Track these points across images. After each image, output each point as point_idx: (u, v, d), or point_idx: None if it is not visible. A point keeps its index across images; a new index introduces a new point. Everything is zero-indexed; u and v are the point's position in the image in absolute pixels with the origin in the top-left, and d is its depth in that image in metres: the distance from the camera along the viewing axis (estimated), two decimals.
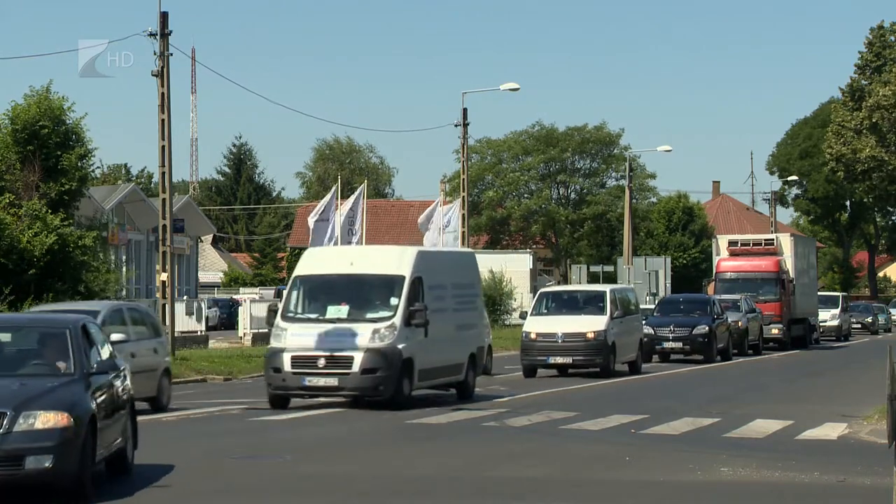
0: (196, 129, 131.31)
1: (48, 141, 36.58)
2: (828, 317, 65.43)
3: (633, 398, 29.75)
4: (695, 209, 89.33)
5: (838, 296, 70.53)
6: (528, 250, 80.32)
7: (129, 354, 22.83)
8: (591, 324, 36.33)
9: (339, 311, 25.88)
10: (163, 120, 39.08)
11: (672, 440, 20.93)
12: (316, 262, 27.37)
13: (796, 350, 53.69)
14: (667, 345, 44.90)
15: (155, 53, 38.50)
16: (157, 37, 38.30)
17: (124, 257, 58.60)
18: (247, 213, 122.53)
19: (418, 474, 16.97)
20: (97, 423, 14.36)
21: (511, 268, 68.48)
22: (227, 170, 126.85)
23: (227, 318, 71.11)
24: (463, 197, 58.11)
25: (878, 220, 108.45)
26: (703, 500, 15.31)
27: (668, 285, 63.75)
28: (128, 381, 16.33)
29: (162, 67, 38.58)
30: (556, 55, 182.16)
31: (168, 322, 39.50)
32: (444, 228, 56.15)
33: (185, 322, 50.40)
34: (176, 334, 40.39)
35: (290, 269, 43.22)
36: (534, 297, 44.54)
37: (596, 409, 25.47)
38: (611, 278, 63.08)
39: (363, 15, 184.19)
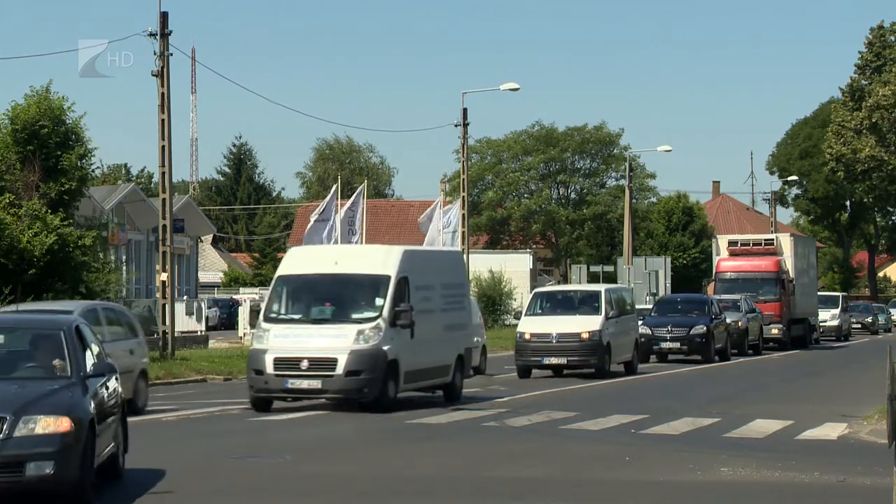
0: (196, 129, 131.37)
1: (48, 141, 36.56)
2: (828, 317, 65.46)
3: (632, 398, 29.76)
4: (695, 209, 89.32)
5: (838, 296, 70.57)
6: (528, 250, 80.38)
7: None
8: (585, 324, 36.08)
9: (322, 311, 25.48)
10: (163, 120, 39.10)
11: (672, 440, 20.93)
12: (299, 261, 26.81)
13: (796, 350, 53.69)
14: (664, 345, 44.71)
15: (155, 53, 38.54)
16: (157, 37, 38.34)
17: (124, 257, 58.57)
18: (247, 213, 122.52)
19: (418, 474, 16.97)
20: (96, 428, 14.02)
21: (511, 268, 68.57)
22: (227, 170, 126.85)
23: (227, 318, 71.18)
24: (463, 197, 58.13)
25: (878, 220, 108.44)
26: (703, 500, 15.32)
27: (668, 285, 63.75)
28: (118, 384, 15.87)
29: (162, 67, 38.60)
30: (556, 55, 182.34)
31: (168, 322, 39.54)
32: (445, 228, 56.19)
33: (185, 322, 50.47)
34: (176, 334, 40.43)
35: None
36: None
37: (596, 409, 25.47)
38: (611, 278, 63.06)
39: (363, 15, 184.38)
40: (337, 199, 49.11)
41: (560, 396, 29.78)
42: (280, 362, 24.64)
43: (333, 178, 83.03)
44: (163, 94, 38.88)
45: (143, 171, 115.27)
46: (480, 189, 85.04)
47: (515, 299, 64.56)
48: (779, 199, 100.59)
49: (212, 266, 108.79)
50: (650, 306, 50.43)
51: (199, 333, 51.91)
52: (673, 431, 22.15)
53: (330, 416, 24.50)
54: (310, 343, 24.71)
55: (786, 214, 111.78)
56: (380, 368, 24.54)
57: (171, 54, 38.84)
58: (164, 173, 39.70)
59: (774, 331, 53.13)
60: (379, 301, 25.17)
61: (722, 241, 57.01)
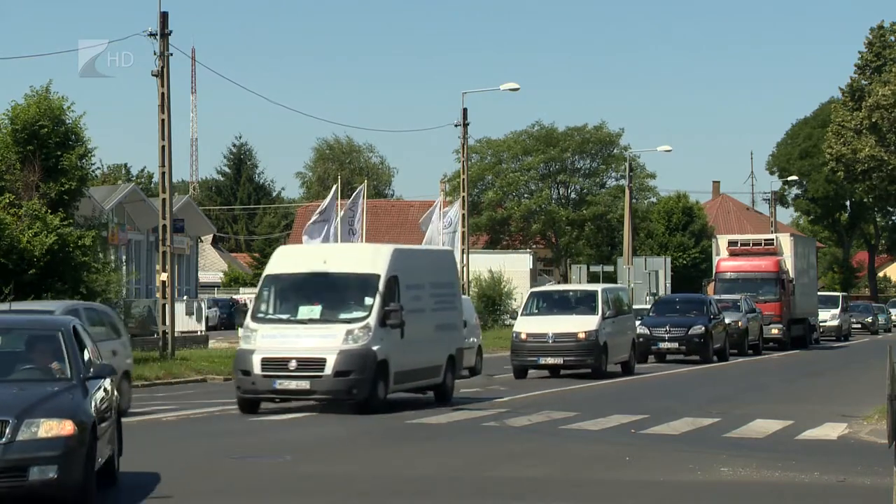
0: (196, 129, 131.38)
1: (48, 141, 36.55)
2: (828, 317, 65.50)
3: (633, 398, 29.75)
4: (695, 209, 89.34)
5: (838, 296, 70.61)
6: (528, 250, 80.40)
7: None
8: (582, 324, 35.85)
9: (311, 311, 25.01)
10: (163, 120, 39.11)
11: (672, 440, 20.93)
12: (288, 260, 26.43)
13: (796, 350, 53.71)
14: (663, 345, 44.58)
15: (155, 53, 38.58)
16: (157, 37, 38.37)
17: (124, 257, 58.56)
18: (247, 213, 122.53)
19: (418, 474, 16.97)
20: (97, 431, 13.75)
21: (511, 268, 68.61)
22: (227, 170, 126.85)
23: (227, 318, 71.23)
24: (463, 197, 58.15)
25: (878, 220, 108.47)
26: (703, 500, 15.31)
27: (668, 285, 63.76)
28: (113, 385, 15.63)
29: (162, 67, 38.62)
30: (556, 55, 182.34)
31: (168, 322, 39.55)
32: (445, 229, 56.22)
33: (185, 322, 50.49)
34: (176, 334, 40.44)
35: None
36: None
37: (596, 409, 25.46)
38: (611, 278, 63.08)
39: (363, 15, 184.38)
40: (337, 199, 49.13)
41: (560, 396, 29.78)
42: (268, 363, 24.28)
43: (333, 178, 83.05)
44: (163, 94, 38.89)
45: (143, 171, 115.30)
46: (480, 189, 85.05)
47: (515, 299, 64.52)
48: (779, 199, 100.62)
49: (212, 266, 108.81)
50: (650, 306, 50.40)
51: (199, 333, 51.92)
52: (673, 431, 22.14)
53: (329, 416, 24.45)
54: (298, 343, 24.37)
55: (786, 214, 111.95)
56: (369, 369, 24.19)
57: (171, 54, 38.91)
58: (164, 173, 39.72)
59: (774, 331, 53.15)
60: (368, 300, 24.82)
61: (722, 241, 57.03)
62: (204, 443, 20.36)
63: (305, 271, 25.74)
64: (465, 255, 57.61)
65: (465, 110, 57.29)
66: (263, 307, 25.42)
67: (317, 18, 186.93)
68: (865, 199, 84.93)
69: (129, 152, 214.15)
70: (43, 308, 22.34)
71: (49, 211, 35.81)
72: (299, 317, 25.04)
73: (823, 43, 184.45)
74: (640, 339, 42.44)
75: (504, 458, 18.54)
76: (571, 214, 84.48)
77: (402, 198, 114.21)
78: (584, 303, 37.02)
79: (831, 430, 22.59)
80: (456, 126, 57.49)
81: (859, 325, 76.20)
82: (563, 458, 18.60)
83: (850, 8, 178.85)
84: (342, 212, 48.97)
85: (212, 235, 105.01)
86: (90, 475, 13.53)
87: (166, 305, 39.76)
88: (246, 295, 74.96)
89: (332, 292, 25.28)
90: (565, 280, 77.10)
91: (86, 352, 14.90)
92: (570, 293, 38.97)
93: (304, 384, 24.19)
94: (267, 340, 24.56)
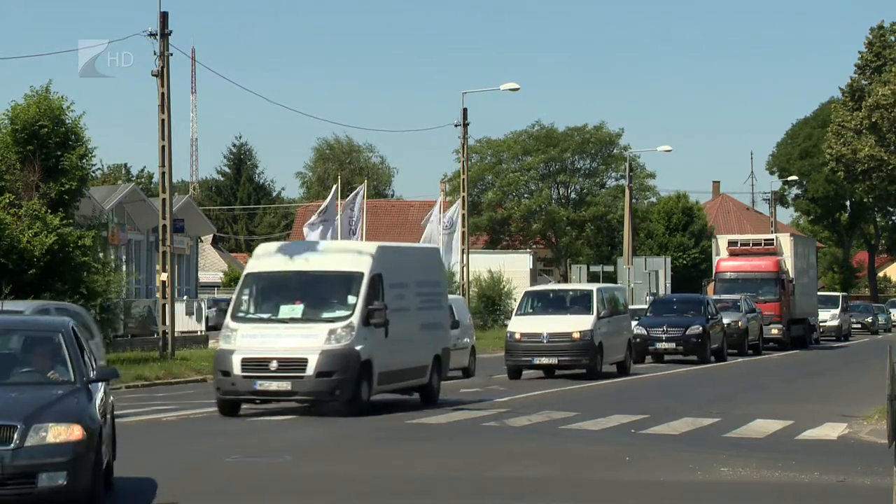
0: (196, 129, 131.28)
1: (48, 141, 36.56)
2: (828, 317, 65.51)
3: (633, 398, 29.75)
4: (694, 209, 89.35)
5: (838, 296, 70.64)
6: (528, 250, 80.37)
7: None
8: (577, 323, 35.51)
9: (292, 310, 24.44)
10: (163, 120, 39.12)
11: (672, 440, 20.93)
12: (269, 258, 25.69)
13: (796, 350, 53.72)
14: (660, 345, 44.35)
15: (155, 53, 38.60)
16: (157, 37, 38.39)
17: (124, 257, 58.54)
18: (247, 213, 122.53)
19: (418, 474, 16.97)
20: (103, 436, 13.52)
21: (511, 268, 68.57)
22: (227, 170, 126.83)
23: None
24: (463, 197, 58.18)
25: (878, 220, 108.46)
26: (703, 500, 15.31)
27: (668, 285, 63.79)
28: (107, 388, 15.22)
29: (162, 67, 38.64)
30: (556, 55, 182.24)
31: (168, 322, 39.57)
32: (445, 229, 56.24)
33: (185, 322, 50.47)
34: (176, 334, 40.46)
35: None
36: None
37: (596, 409, 25.46)
38: (611, 278, 63.08)
39: (363, 15, 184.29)
40: (337, 199, 49.16)
41: (560, 396, 29.77)
42: (248, 363, 23.72)
43: (333, 178, 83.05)
44: (163, 94, 38.91)
45: (143, 171, 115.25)
46: (480, 189, 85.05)
47: (515, 299, 64.42)
48: (779, 199, 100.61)
49: (212, 266, 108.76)
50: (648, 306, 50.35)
51: (199, 333, 51.92)
52: (673, 431, 22.14)
53: (329, 416, 24.41)
54: (279, 343, 23.81)
55: (786, 214, 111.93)
56: (352, 369, 23.63)
57: (171, 54, 38.93)
58: (164, 173, 39.73)
59: (774, 331, 53.14)
60: (351, 299, 24.28)
61: (722, 241, 57.04)
62: (204, 443, 20.36)
63: (287, 269, 25.15)
64: (465, 255, 57.64)
65: (465, 110, 57.38)
66: (244, 306, 24.83)
67: (317, 18, 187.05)
68: (865, 199, 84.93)
69: (129, 152, 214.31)
70: (13, 308, 21.49)
71: (49, 211, 35.82)
72: (281, 316, 24.48)
73: (823, 43, 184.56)
74: (638, 340, 42.36)
75: (504, 458, 18.55)
76: (571, 214, 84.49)
77: (402, 198, 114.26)
78: (578, 302, 36.68)
79: (831, 430, 22.59)
80: (456, 126, 57.53)
81: (859, 325, 76.22)
82: (563, 458, 18.60)
83: (850, 8, 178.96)
84: (342, 212, 49.00)
85: (212, 235, 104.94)
86: (98, 481, 13.29)
87: (166, 305, 39.78)
88: None
89: (315, 291, 24.75)
90: (565, 280, 77.10)
91: (86, 354, 14.64)
92: (565, 293, 38.65)
93: (286, 385, 23.64)
94: (247, 340, 24.00)
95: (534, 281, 69.44)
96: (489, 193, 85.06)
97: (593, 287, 38.72)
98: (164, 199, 39.78)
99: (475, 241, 78.52)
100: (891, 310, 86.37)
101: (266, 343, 23.91)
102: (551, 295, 38.68)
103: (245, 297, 24.96)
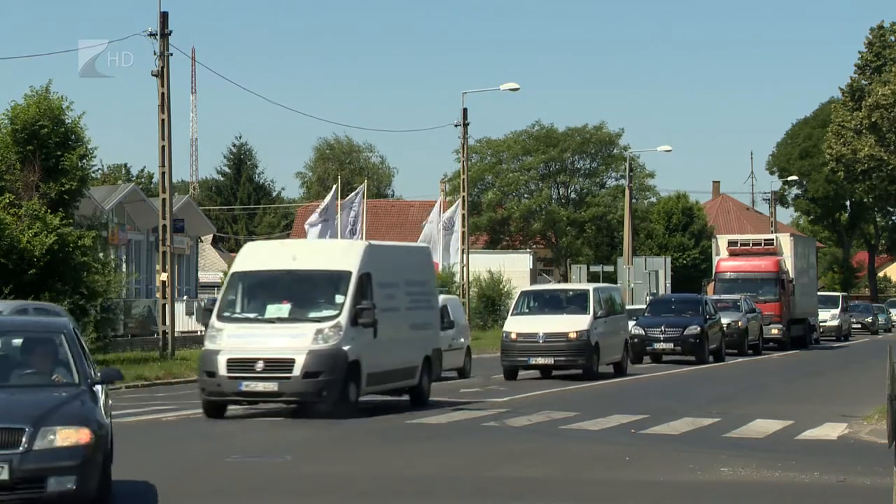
0: (196, 129, 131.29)
1: (48, 141, 36.57)
2: (828, 317, 65.52)
3: (633, 398, 29.75)
4: (694, 209, 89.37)
5: (838, 296, 70.65)
6: (528, 250, 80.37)
7: None
8: (573, 323, 35.21)
9: (279, 310, 24.01)
10: (163, 120, 39.12)
11: (672, 440, 20.93)
12: (256, 257, 25.36)
13: (796, 350, 53.72)
14: (658, 346, 44.15)
15: (155, 53, 38.60)
16: (157, 37, 38.39)
17: (124, 257, 58.56)
18: (247, 213, 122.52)
19: (418, 474, 16.97)
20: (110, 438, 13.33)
21: (511, 268, 68.57)
22: (227, 170, 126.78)
23: None
24: (463, 197, 58.18)
25: (878, 220, 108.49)
26: (703, 500, 15.31)
27: (668, 285, 63.79)
28: (106, 390, 14.92)
29: (162, 67, 38.64)
30: (556, 55, 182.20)
31: (168, 322, 39.57)
32: (445, 229, 56.25)
33: (185, 322, 50.45)
34: (176, 334, 40.46)
35: None
36: None
37: (596, 409, 25.45)
38: (611, 278, 63.07)
39: (363, 15, 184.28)
40: (337, 199, 49.18)
41: (560, 396, 29.77)
42: (234, 363, 23.29)
43: (333, 178, 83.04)
44: (163, 94, 38.91)
45: (143, 171, 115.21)
46: (480, 189, 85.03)
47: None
48: (779, 199, 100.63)
49: (212, 266, 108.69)
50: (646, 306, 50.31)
51: (199, 333, 51.75)
52: (673, 431, 22.14)
53: (329, 416, 24.40)
54: (265, 343, 23.40)
55: (786, 214, 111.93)
56: (340, 370, 23.20)
57: (171, 54, 38.93)
58: (164, 173, 39.73)
59: (774, 331, 53.13)
60: (339, 298, 23.84)
61: (722, 242, 57.03)
62: (204, 443, 20.36)
63: (274, 268, 24.75)
64: (465, 255, 57.65)
65: (465, 110, 57.38)
66: (230, 306, 24.41)
67: (317, 18, 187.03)
68: (865, 199, 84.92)
69: (129, 152, 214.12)
70: None
71: (49, 211, 35.83)
72: (267, 316, 24.09)
73: (823, 43, 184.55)
74: (636, 340, 42.29)
75: (504, 458, 18.55)
76: (571, 214, 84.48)
77: (402, 198, 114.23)
78: (575, 302, 36.40)
79: (831, 430, 22.59)
80: (456, 126, 57.54)
81: (859, 325, 76.22)
82: (563, 458, 18.60)
83: (850, 8, 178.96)
84: (342, 212, 49.01)
85: (212, 235, 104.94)
86: (106, 486, 13.19)
87: (166, 305, 39.79)
88: None
89: (302, 290, 24.30)
90: (565, 280, 77.09)
91: (87, 355, 14.40)
92: (562, 292, 38.38)
93: (272, 386, 23.19)
94: (233, 340, 23.59)
95: (534, 281, 69.45)
96: (489, 193, 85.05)
97: (590, 287, 38.46)
98: (164, 199, 39.78)
99: (475, 241, 78.51)
100: (891, 310, 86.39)
101: (252, 343, 23.50)
102: (547, 295, 38.44)
103: (231, 297, 24.55)
